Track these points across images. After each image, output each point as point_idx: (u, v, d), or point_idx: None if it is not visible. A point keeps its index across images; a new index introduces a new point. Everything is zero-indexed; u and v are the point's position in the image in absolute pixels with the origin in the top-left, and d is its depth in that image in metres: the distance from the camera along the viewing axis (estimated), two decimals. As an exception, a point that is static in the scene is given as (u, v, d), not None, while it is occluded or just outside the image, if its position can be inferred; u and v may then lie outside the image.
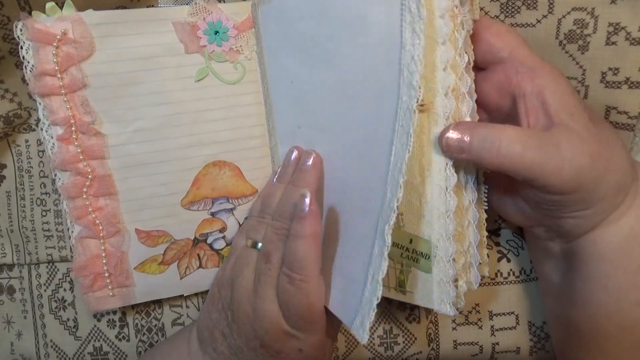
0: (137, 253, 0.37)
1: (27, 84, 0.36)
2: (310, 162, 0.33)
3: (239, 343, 0.33)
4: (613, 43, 0.30)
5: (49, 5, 0.33)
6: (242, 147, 0.37)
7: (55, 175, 0.35)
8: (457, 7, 0.27)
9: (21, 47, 0.33)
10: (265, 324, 0.31)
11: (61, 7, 0.33)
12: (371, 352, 0.40)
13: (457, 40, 0.27)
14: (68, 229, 0.36)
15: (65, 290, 0.40)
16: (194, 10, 0.35)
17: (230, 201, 0.37)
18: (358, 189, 0.31)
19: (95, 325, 0.40)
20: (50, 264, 0.40)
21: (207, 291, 0.38)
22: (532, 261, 0.37)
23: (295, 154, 0.35)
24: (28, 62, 0.33)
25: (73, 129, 0.34)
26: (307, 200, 0.30)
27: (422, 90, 0.26)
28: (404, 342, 0.39)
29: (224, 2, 0.36)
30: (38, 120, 0.38)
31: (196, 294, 0.40)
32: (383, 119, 0.28)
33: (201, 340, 0.36)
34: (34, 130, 0.38)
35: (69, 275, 0.40)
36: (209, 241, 0.38)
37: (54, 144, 0.34)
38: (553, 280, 0.33)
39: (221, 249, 0.38)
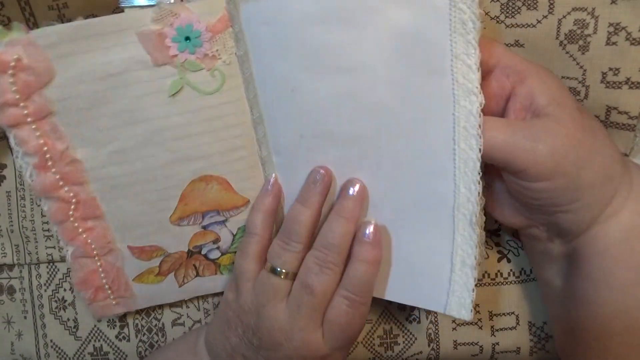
0: (133, 267, 0.37)
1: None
2: (356, 191, 0.32)
3: None
4: (613, 43, 0.30)
5: None
6: (229, 159, 0.34)
7: (41, 200, 0.34)
8: (481, 13, 0.28)
9: None
10: (304, 353, 0.32)
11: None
12: (371, 352, 0.40)
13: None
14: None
15: (65, 290, 0.40)
16: (158, 16, 0.30)
17: (221, 213, 0.36)
18: (405, 187, 0.32)
19: (95, 325, 0.40)
20: (51, 263, 0.40)
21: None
22: (533, 267, 0.37)
23: (321, 174, 0.33)
24: None
25: (47, 156, 0.32)
26: (372, 228, 0.32)
27: (481, 95, 0.28)
28: (404, 342, 0.39)
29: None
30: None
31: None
32: (434, 123, 0.29)
33: (214, 357, 0.35)
34: (34, 130, 0.38)
35: (69, 276, 0.40)
36: (203, 252, 0.37)
37: (31, 172, 0.33)
38: (555, 284, 0.33)
39: (217, 259, 0.37)
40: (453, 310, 0.32)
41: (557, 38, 0.31)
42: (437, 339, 0.39)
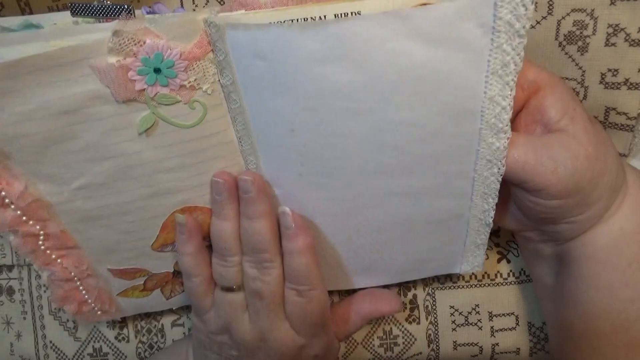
0: (116, 285, 0.35)
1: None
2: (254, 191, 0.30)
3: None
4: (612, 44, 0.30)
5: None
6: None
7: (5, 233, 0.30)
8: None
9: None
10: (281, 350, 0.32)
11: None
12: (371, 352, 0.40)
13: None
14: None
15: (65, 291, 0.40)
16: (116, 46, 0.24)
17: (207, 239, 0.33)
18: (417, 209, 0.32)
19: (94, 326, 0.40)
20: (50, 264, 0.40)
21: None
22: (526, 264, 0.37)
23: (220, 184, 0.30)
24: None
25: (3, 194, 0.28)
26: (290, 217, 0.31)
27: (509, 130, 0.27)
28: (403, 343, 0.39)
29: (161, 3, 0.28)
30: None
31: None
32: (453, 159, 0.29)
33: None
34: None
35: (68, 276, 0.40)
36: None
37: None
38: (546, 282, 0.34)
39: None
40: (467, 270, 0.35)
41: (556, 39, 0.31)
42: (437, 340, 0.39)
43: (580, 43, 0.31)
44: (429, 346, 0.39)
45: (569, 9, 0.30)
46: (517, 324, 0.38)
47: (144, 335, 0.40)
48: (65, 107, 0.26)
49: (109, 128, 0.27)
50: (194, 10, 0.34)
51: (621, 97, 0.32)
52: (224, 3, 0.33)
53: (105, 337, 0.40)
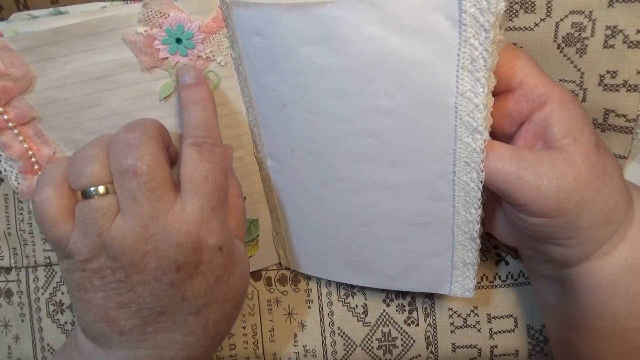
0: None
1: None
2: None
3: (147, 295, 0.27)
4: (611, 46, 0.30)
5: None
6: None
7: (29, 203, 0.32)
8: (501, 38, 0.26)
9: None
10: (176, 239, 0.26)
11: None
12: (369, 354, 0.40)
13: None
14: None
15: (62, 293, 0.40)
16: (144, 17, 0.28)
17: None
18: (400, 206, 0.31)
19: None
20: (48, 267, 0.40)
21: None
22: (529, 278, 0.37)
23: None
24: None
25: (33, 160, 0.31)
26: (192, 70, 0.29)
27: (486, 132, 0.27)
28: (402, 345, 0.39)
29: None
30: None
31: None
32: (431, 156, 0.28)
33: (95, 339, 0.28)
34: (31, 133, 0.38)
35: (66, 279, 0.40)
36: None
37: (17, 175, 0.31)
38: (548, 299, 0.33)
39: None
40: (457, 293, 0.34)
41: (554, 41, 0.31)
42: (436, 342, 0.39)
43: (578, 45, 0.31)
44: (427, 348, 0.39)
45: (567, 10, 0.30)
46: (516, 326, 0.38)
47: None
48: (97, 74, 0.29)
49: (133, 95, 0.30)
50: None
51: (620, 98, 0.32)
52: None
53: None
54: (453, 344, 0.39)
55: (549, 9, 0.31)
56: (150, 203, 0.26)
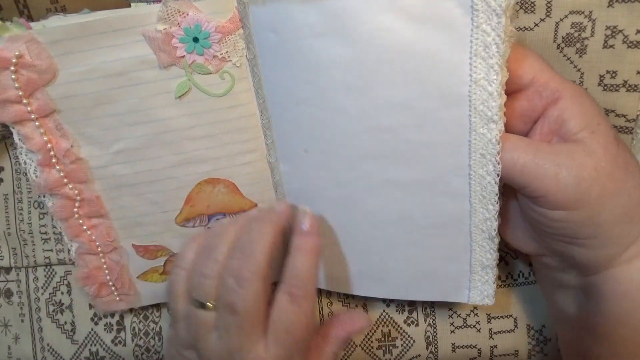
0: (137, 265, 0.36)
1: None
2: (284, 211, 0.31)
3: None
4: (611, 46, 0.30)
5: None
6: (237, 163, 0.33)
7: (44, 197, 0.33)
8: (512, 29, 0.26)
9: None
10: None
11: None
12: (369, 354, 0.40)
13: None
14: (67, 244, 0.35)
15: (62, 293, 0.40)
16: (164, 15, 0.29)
17: (228, 217, 0.35)
18: (416, 206, 0.31)
19: (92, 329, 0.40)
20: (48, 267, 0.40)
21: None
22: (543, 293, 0.35)
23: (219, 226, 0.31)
24: None
25: (52, 153, 0.32)
26: (309, 217, 0.30)
27: (501, 122, 0.26)
28: (402, 345, 0.39)
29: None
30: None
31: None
32: (446, 148, 0.28)
33: None
34: (31, 133, 0.38)
35: (66, 279, 0.40)
36: None
37: (35, 168, 0.32)
38: (568, 312, 0.31)
39: None
40: (476, 300, 0.33)
41: (554, 41, 0.31)
42: (436, 342, 0.39)
43: (578, 45, 0.31)
44: (427, 348, 0.39)
45: (567, 10, 0.30)
46: (516, 326, 0.38)
47: (141, 338, 0.40)
48: (115, 70, 0.30)
49: (149, 93, 0.31)
50: None
51: (620, 99, 0.32)
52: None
53: (102, 340, 0.40)
54: (453, 344, 0.39)
55: (548, 9, 0.31)
56: (239, 338, 0.29)
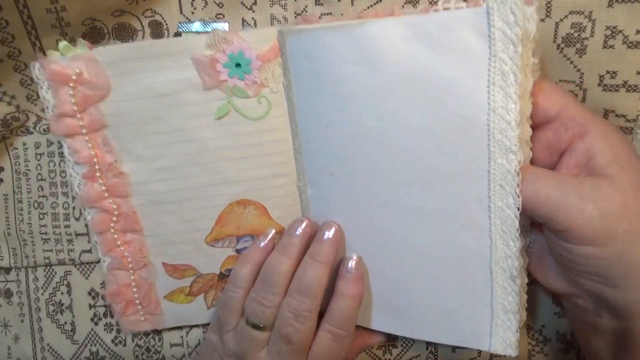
0: (165, 284, 0.37)
1: (25, 87, 0.36)
2: (331, 235, 0.32)
3: None
4: (610, 46, 0.30)
5: (62, 44, 0.32)
6: (268, 186, 0.34)
7: (85, 210, 0.35)
8: (534, 62, 0.26)
9: (41, 88, 0.33)
10: None
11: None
12: (369, 355, 0.40)
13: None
14: (95, 243, 0.37)
15: (62, 293, 0.40)
16: (212, 42, 0.31)
17: (256, 239, 0.36)
18: (436, 236, 0.30)
19: (92, 329, 0.40)
20: (48, 267, 0.40)
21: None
22: (576, 335, 0.34)
23: (304, 225, 0.33)
24: (49, 102, 0.33)
25: (97, 167, 0.34)
26: (354, 264, 0.33)
27: (520, 153, 0.26)
28: (402, 345, 0.39)
29: (250, 25, 0.34)
30: (36, 123, 0.38)
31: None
32: (466, 178, 0.28)
33: None
34: (31, 133, 0.38)
35: (66, 279, 0.40)
36: None
37: (80, 181, 0.34)
38: (601, 356, 0.30)
39: None
40: (498, 349, 0.31)
41: (554, 41, 0.31)
42: (435, 342, 0.39)
43: (578, 45, 0.31)
44: (427, 348, 0.39)
45: (567, 11, 0.30)
46: (516, 326, 0.38)
47: (141, 338, 0.40)
48: (164, 91, 0.32)
49: (192, 113, 0.33)
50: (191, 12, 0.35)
51: (620, 99, 0.32)
52: (222, 6, 0.34)
53: (102, 340, 0.40)
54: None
55: (548, 9, 0.31)
56: None
